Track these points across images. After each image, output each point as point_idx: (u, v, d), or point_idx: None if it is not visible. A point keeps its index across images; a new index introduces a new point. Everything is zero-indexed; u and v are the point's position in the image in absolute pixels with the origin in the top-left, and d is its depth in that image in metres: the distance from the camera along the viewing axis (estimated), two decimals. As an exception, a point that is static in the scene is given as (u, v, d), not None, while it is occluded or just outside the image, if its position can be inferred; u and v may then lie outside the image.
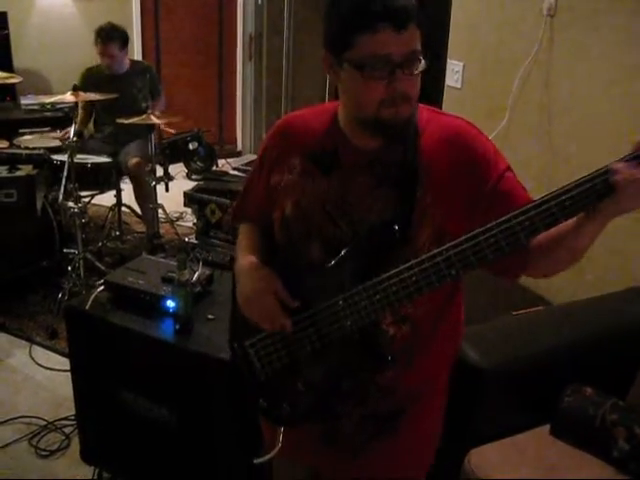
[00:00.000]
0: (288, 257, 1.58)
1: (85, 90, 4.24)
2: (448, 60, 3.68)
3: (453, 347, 1.66)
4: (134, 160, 4.51)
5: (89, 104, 4.65)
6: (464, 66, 3.57)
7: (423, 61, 1.34)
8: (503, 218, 1.23)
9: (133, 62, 4.95)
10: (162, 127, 4.82)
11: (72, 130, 3.88)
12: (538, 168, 3.07)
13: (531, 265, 1.41)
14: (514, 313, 2.55)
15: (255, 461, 1.67)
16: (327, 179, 1.49)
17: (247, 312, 1.56)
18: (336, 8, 1.37)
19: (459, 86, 3.61)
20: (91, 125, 4.86)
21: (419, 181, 1.41)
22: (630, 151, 1.17)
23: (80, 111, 4.31)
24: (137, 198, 4.74)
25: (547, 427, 2.20)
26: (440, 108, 3.75)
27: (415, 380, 1.55)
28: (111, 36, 4.69)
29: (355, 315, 1.40)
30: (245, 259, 1.62)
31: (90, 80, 4.67)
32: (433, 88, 3.79)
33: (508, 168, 1.44)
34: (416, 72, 1.34)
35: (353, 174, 1.46)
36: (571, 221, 1.27)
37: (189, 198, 4.66)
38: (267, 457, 1.63)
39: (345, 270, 1.42)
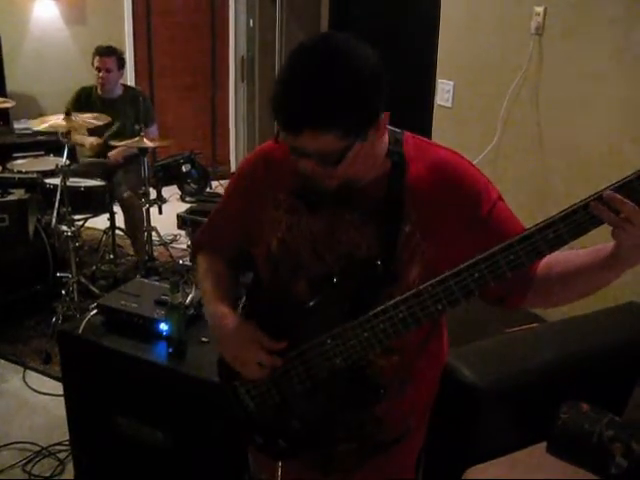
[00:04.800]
0: (273, 293, 1.55)
1: (76, 108, 4.34)
2: (438, 79, 3.71)
3: (438, 370, 1.66)
4: (127, 194, 4.53)
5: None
6: (454, 85, 3.59)
7: (343, 158, 1.26)
8: (488, 253, 1.21)
9: (126, 88, 4.96)
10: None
11: (65, 155, 3.88)
12: (530, 185, 3.09)
13: (533, 297, 1.39)
14: (508, 331, 2.55)
15: None
16: (313, 216, 1.45)
17: (234, 366, 1.54)
18: None
19: (450, 105, 3.63)
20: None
21: (405, 216, 1.38)
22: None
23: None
24: (127, 227, 4.73)
25: (544, 444, 2.19)
26: (431, 127, 3.80)
27: (407, 407, 1.56)
28: (109, 51, 4.73)
29: (344, 353, 1.38)
30: (219, 310, 1.57)
31: (83, 99, 4.72)
32: (423, 107, 3.82)
33: (499, 198, 1.42)
34: (330, 166, 1.28)
35: (339, 210, 1.43)
36: (585, 263, 1.27)
37: (183, 220, 4.65)
38: None
39: (331, 307, 1.40)
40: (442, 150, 1.46)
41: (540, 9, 2.97)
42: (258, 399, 1.54)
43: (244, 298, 1.66)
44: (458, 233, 1.37)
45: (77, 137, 4.56)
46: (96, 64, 4.70)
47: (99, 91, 4.76)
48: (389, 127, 1.41)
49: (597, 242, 1.27)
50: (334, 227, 1.43)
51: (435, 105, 3.75)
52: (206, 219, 1.81)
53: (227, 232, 1.65)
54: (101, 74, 4.70)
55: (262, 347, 1.46)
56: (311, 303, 1.42)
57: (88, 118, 4.08)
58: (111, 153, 4.62)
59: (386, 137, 1.41)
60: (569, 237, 1.15)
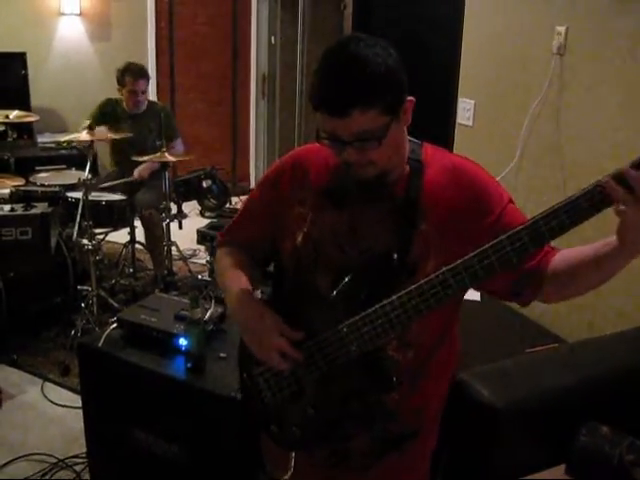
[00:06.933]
0: (296, 285, 1.63)
1: (98, 116, 4.49)
2: (459, 98, 3.72)
3: (451, 370, 1.74)
4: (147, 211, 4.57)
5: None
6: (475, 104, 3.60)
7: (386, 134, 1.38)
8: (495, 240, 1.28)
9: (150, 103, 5.00)
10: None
11: (87, 169, 3.92)
12: (549, 206, 3.07)
13: (546, 290, 1.45)
14: (528, 351, 2.53)
15: None
16: (337, 213, 1.55)
17: (256, 353, 1.58)
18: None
19: (470, 124, 3.64)
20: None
21: (421, 214, 1.48)
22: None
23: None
24: (147, 243, 4.76)
25: (562, 467, 2.16)
26: (452, 146, 3.81)
27: (418, 402, 1.61)
28: (144, 72, 4.77)
29: (359, 340, 1.44)
30: (242, 294, 1.63)
31: (108, 111, 4.76)
32: (445, 126, 3.83)
33: (510, 201, 1.52)
34: (373, 147, 1.39)
35: (362, 208, 1.53)
36: (593, 249, 1.34)
37: (202, 235, 4.68)
38: None
39: (350, 298, 1.47)
40: (456, 157, 1.59)
41: (562, 29, 2.97)
42: (276, 387, 1.59)
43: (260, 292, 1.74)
44: (470, 232, 1.46)
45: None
46: (131, 87, 4.70)
47: (125, 106, 4.80)
48: (409, 138, 1.54)
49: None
50: (356, 223, 1.53)
51: (456, 124, 3.76)
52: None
53: (252, 231, 1.73)
54: (139, 98, 4.74)
55: (282, 334, 1.51)
56: (331, 295, 1.49)
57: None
58: (137, 170, 4.63)
59: (408, 144, 1.53)
60: (569, 222, 1.22)
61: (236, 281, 1.67)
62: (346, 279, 1.48)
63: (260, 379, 1.62)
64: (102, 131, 4.58)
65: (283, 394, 1.58)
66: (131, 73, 4.69)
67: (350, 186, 1.52)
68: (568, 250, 1.42)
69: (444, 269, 1.33)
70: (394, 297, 1.39)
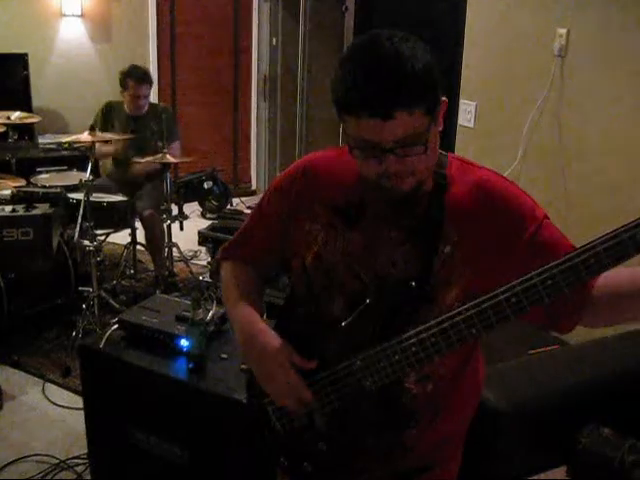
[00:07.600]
0: (307, 309, 1.51)
1: (102, 123, 4.46)
2: (460, 100, 3.72)
3: (474, 400, 1.61)
4: (147, 212, 4.55)
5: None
6: (476, 106, 3.60)
7: (428, 138, 1.24)
8: (525, 277, 1.16)
9: (151, 104, 4.99)
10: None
11: (88, 170, 3.92)
12: (551, 208, 3.07)
13: (588, 314, 1.32)
14: (530, 352, 2.53)
15: None
16: (352, 232, 1.42)
17: (266, 388, 1.49)
18: (334, 80, 1.27)
19: (472, 125, 3.64)
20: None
21: (445, 236, 1.34)
22: None
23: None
24: (148, 244, 4.76)
25: (564, 468, 2.16)
26: (453, 148, 3.80)
27: (438, 436, 1.49)
28: (146, 77, 4.74)
29: (374, 375, 1.34)
30: (251, 321, 1.52)
31: (110, 114, 4.75)
32: (447, 127, 3.83)
33: (545, 217, 1.36)
34: (418, 153, 1.24)
35: (378, 228, 1.40)
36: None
37: (203, 237, 4.68)
38: None
39: (364, 327, 1.36)
40: (485, 171, 1.42)
41: (563, 31, 2.97)
42: (285, 419, 1.50)
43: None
44: (501, 255, 1.33)
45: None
46: (133, 91, 4.66)
47: (127, 109, 4.79)
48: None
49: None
50: (371, 244, 1.40)
51: (458, 126, 3.76)
52: (230, 234, 1.75)
53: (260, 244, 1.60)
54: (141, 102, 4.73)
55: (294, 371, 1.41)
56: (344, 322, 1.38)
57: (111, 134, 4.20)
58: (135, 168, 4.64)
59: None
60: (610, 262, 1.10)
61: (244, 305, 1.54)
62: (361, 306, 1.36)
63: (270, 409, 1.53)
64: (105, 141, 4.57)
65: (294, 426, 1.49)
66: (134, 78, 4.66)
67: (369, 203, 1.39)
68: (615, 271, 1.19)
69: (468, 305, 1.21)
70: (412, 332, 1.28)
